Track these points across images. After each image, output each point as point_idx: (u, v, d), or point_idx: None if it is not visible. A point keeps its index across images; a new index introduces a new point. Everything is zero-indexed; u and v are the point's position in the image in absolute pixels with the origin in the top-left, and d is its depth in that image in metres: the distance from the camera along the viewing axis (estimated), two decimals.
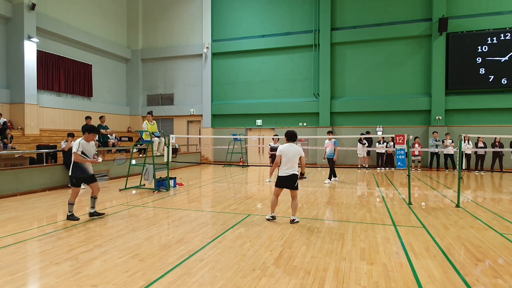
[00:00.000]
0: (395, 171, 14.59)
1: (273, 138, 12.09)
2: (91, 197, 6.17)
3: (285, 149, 5.67)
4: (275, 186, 5.79)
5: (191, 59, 19.77)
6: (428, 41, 15.99)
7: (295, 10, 17.88)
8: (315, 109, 17.46)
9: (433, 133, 14.80)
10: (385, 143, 15.32)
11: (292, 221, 5.67)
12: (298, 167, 5.82)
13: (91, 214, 6.17)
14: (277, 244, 4.61)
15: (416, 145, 14.59)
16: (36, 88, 14.27)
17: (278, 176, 5.70)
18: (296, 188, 5.66)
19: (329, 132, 11.17)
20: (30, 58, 13.97)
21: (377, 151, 15.52)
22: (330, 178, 11.03)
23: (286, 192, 9.09)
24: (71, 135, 9.99)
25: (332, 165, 10.98)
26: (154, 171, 9.27)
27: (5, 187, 8.32)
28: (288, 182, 5.64)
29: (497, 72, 14.95)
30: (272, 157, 12.40)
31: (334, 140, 10.92)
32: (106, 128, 12.76)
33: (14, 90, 13.89)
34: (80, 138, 6.02)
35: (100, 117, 12.88)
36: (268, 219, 5.92)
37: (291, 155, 5.61)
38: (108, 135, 12.83)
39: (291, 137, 5.77)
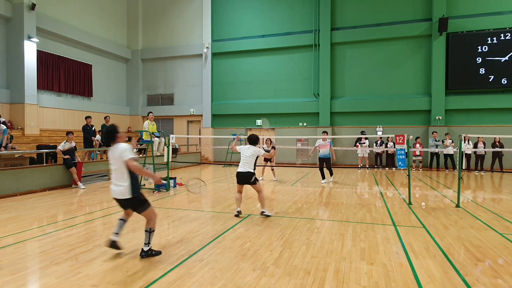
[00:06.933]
0: (395, 171, 14.59)
1: (266, 141, 12.04)
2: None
3: (243, 148, 6.31)
4: (237, 182, 6.25)
5: (191, 59, 19.76)
6: (428, 41, 15.98)
7: (295, 10, 17.87)
8: (315, 109, 17.45)
9: (432, 133, 14.79)
10: (383, 144, 15.32)
11: (262, 213, 6.16)
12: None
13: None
14: (277, 244, 4.60)
15: (417, 145, 14.56)
16: (36, 88, 14.26)
17: (236, 172, 6.21)
18: (254, 183, 6.11)
19: (324, 132, 11.16)
20: (30, 58, 13.96)
21: (375, 151, 15.53)
22: (331, 175, 11.15)
23: (283, 191, 9.10)
24: (70, 133, 9.92)
25: (329, 165, 11.02)
26: (154, 171, 9.27)
27: (5, 187, 8.31)
28: (244, 178, 6.12)
29: (497, 72, 14.94)
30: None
31: (330, 140, 10.95)
32: None
33: (14, 90, 13.88)
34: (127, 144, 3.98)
35: (105, 117, 12.91)
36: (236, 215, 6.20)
37: (248, 154, 6.17)
38: None
39: (252, 141, 6.29)
